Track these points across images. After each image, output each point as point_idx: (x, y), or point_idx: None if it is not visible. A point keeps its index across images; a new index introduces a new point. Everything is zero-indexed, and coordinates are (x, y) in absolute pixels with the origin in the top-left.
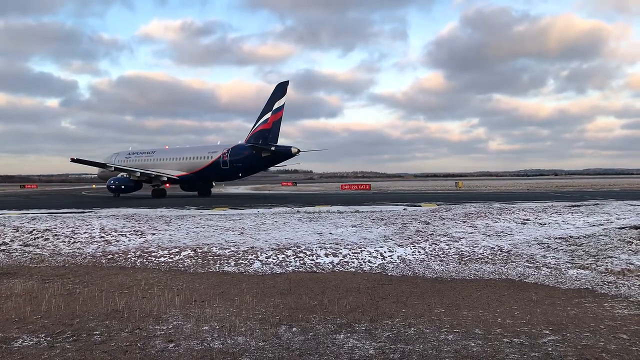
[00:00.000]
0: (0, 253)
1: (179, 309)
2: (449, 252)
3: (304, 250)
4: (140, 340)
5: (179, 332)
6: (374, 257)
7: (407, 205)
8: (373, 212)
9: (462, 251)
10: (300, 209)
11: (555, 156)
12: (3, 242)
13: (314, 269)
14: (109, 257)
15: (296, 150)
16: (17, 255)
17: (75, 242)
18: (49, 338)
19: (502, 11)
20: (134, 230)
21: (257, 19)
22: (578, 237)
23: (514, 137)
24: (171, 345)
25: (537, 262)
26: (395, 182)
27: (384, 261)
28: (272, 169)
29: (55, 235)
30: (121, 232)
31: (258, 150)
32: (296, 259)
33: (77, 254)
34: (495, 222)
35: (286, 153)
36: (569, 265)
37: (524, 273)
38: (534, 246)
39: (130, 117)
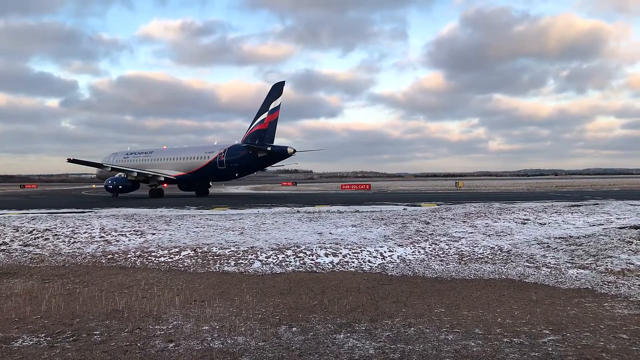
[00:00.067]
0: (0, 253)
1: (178, 309)
2: (449, 252)
3: (304, 250)
4: (140, 340)
5: (179, 332)
6: (374, 257)
7: (407, 205)
8: (373, 212)
9: (462, 251)
10: (300, 208)
11: (555, 156)
12: (3, 242)
13: (314, 269)
14: (109, 257)
15: (292, 150)
16: (17, 255)
17: (75, 242)
18: (49, 338)
19: (502, 11)
20: (134, 230)
21: (257, 19)
22: (578, 237)
23: (514, 137)
24: (171, 345)
25: (537, 262)
26: (395, 182)
27: (384, 261)
28: (271, 168)
29: (55, 235)
30: (121, 232)
31: (254, 151)
32: (296, 258)
33: (77, 254)
34: (495, 222)
35: (282, 153)
36: (569, 265)
37: (523, 273)
38: (533, 246)
39: (130, 117)
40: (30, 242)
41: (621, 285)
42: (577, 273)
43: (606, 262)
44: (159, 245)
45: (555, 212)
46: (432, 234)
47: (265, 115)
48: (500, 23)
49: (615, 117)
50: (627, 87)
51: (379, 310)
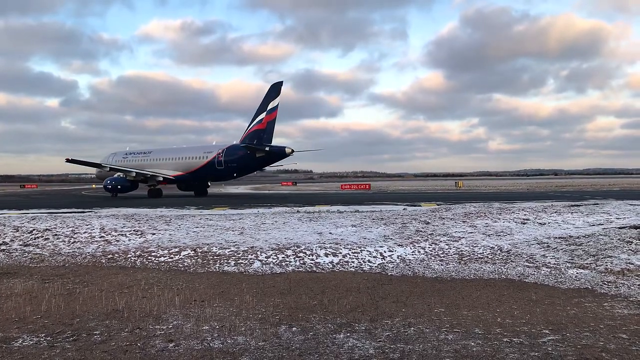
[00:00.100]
0: (0, 253)
1: (178, 309)
2: (448, 251)
3: (303, 250)
4: (140, 340)
5: (179, 331)
6: (374, 257)
7: (407, 205)
8: (373, 211)
9: (462, 251)
10: (300, 208)
11: (555, 156)
12: (3, 241)
13: (314, 269)
14: (109, 256)
15: (290, 150)
16: (17, 255)
17: (75, 241)
18: (49, 338)
19: (502, 11)
20: (134, 230)
21: (257, 18)
22: (578, 237)
23: (514, 137)
24: (171, 345)
25: (537, 261)
26: (395, 181)
27: (383, 261)
28: (271, 168)
29: (55, 235)
30: (121, 231)
31: (252, 151)
32: (296, 258)
33: (77, 254)
34: (495, 221)
35: (280, 153)
36: (569, 265)
37: (523, 273)
38: (533, 246)
39: (130, 117)
40: (30, 242)
41: (621, 285)
42: (577, 273)
43: (606, 262)
44: (159, 245)
45: (555, 212)
46: (432, 233)
47: (263, 115)
48: (500, 23)
49: (615, 117)
50: (627, 86)
51: (378, 310)
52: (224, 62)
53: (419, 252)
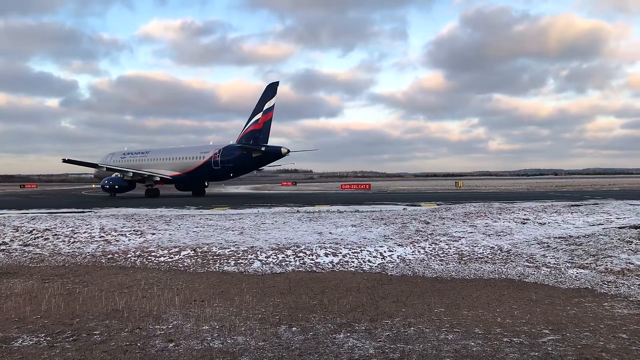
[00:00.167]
0: (0, 253)
1: (178, 309)
2: (448, 251)
3: (303, 250)
4: (140, 339)
5: (179, 331)
6: (374, 257)
7: (407, 205)
8: (373, 211)
9: (462, 251)
10: (300, 208)
11: (555, 156)
12: (3, 241)
13: (314, 269)
14: (108, 256)
15: (286, 150)
16: (17, 255)
17: (75, 241)
18: (48, 338)
19: (502, 11)
20: (133, 230)
21: (257, 18)
22: (578, 237)
23: (514, 137)
24: (171, 344)
25: (537, 261)
26: (395, 181)
27: (383, 261)
28: (271, 168)
29: (55, 235)
30: (121, 231)
31: (248, 151)
32: (296, 258)
33: (77, 254)
34: (495, 221)
35: (276, 153)
36: (569, 265)
37: (523, 273)
38: (533, 246)
39: (130, 117)
40: (30, 242)
41: (621, 285)
42: (577, 273)
43: (606, 262)
44: (158, 245)
45: (555, 212)
46: (432, 233)
47: (259, 115)
48: (500, 23)
49: (615, 117)
50: (627, 86)
51: (378, 310)
52: (224, 62)
53: (419, 252)
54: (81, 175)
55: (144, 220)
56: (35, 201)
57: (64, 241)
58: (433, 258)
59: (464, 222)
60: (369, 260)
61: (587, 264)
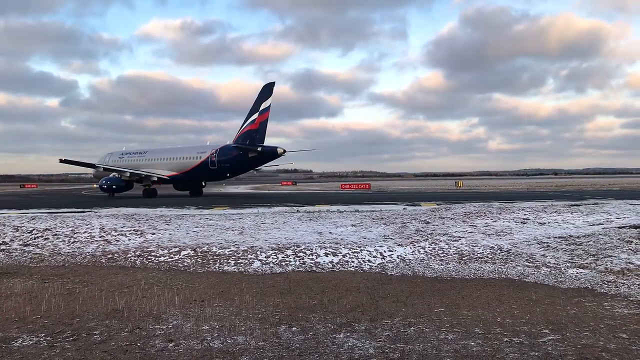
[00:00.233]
0: (0, 252)
1: (178, 309)
2: (448, 251)
3: (303, 250)
4: (140, 339)
5: (179, 331)
6: (374, 257)
7: (407, 205)
8: (373, 211)
9: (461, 250)
10: (300, 208)
11: (554, 156)
12: (3, 241)
13: (314, 269)
14: (108, 256)
15: (282, 150)
16: (17, 255)
17: (75, 241)
18: (48, 338)
19: (502, 11)
20: (133, 230)
21: (257, 18)
22: (578, 237)
23: (514, 137)
24: (171, 344)
25: (537, 261)
26: (395, 181)
27: (383, 260)
28: (271, 168)
29: (55, 234)
30: (121, 231)
31: (245, 151)
32: (296, 258)
33: (77, 254)
34: (495, 221)
35: (272, 153)
36: (569, 265)
37: (523, 272)
38: (533, 245)
39: (130, 117)
40: (30, 241)
41: (621, 284)
42: (577, 272)
43: (606, 262)
44: (158, 245)
45: (555, 212)
46: (432, 233)
47: (256, 115)
48: (500, 22)
49: (614, 117)
50: (626, 86)
51: (378, 310)
52: (224, 62)
53: (419, 251)
54: (81, 175)
55: (144, 220)
56: (35, 201)
57: (64, 241)
58: (433, 258)
59: (464, 221)
60: (368, 260)
61: (587, 263)
